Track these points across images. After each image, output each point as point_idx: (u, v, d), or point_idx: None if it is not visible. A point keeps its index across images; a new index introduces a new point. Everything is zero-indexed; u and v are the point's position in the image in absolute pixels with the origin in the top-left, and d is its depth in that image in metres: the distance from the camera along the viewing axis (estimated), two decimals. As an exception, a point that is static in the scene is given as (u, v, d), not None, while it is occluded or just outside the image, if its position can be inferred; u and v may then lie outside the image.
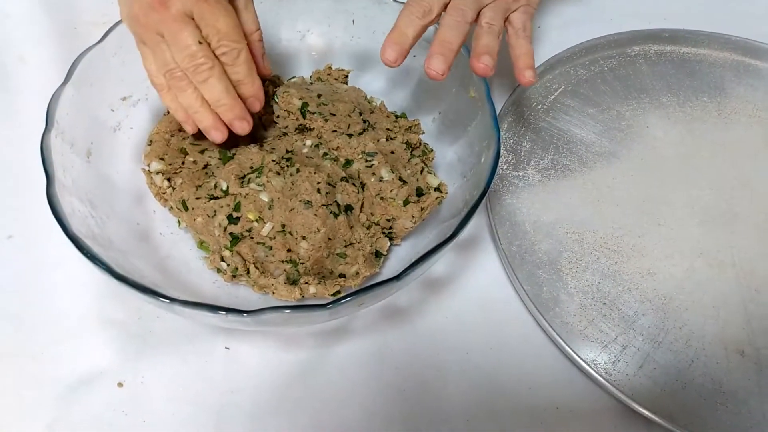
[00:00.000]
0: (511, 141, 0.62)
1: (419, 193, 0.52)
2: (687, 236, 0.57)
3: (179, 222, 0.52)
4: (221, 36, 0.44)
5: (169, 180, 0.52)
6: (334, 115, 0.53)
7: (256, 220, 0.49)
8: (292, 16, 0.59)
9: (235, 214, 0.49)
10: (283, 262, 0.48)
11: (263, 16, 0.58)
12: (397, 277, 0.41)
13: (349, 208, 0.50)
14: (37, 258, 0.52)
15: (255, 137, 0.55)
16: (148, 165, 0.52)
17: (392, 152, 0.53)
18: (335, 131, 0.53)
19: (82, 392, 0.47)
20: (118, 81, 0.53)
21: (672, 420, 0.46)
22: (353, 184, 0.51)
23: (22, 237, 0.54)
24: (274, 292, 0.48)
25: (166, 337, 0.49)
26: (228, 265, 0.48)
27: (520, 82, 0.51)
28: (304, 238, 0.48)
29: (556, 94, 0.66)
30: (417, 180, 0.52)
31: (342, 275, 0.49)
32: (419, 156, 0.54)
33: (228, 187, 0.50)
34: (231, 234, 0.49)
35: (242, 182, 0.50)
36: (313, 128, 0.53)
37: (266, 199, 0.49)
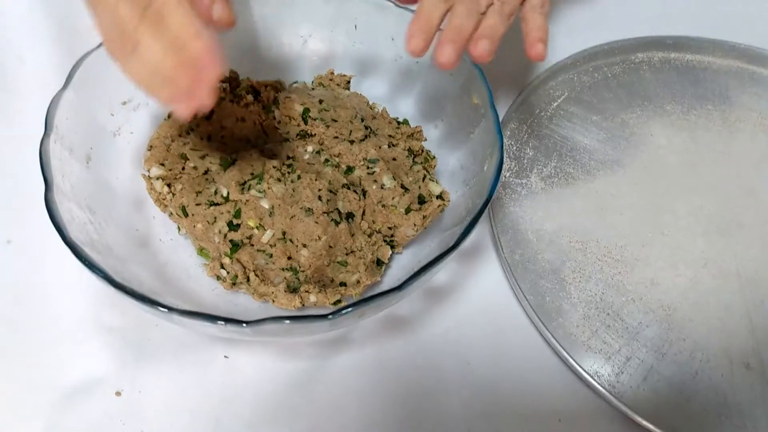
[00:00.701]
0: (514, 148, 0.62)
1: (421, 200, 0.51)
2: (691, 246, 0.57)
3: (179, 228, 0.52)
4: None
5: (169, 186, 0.51)
6: (335, 121, 0.53)
7: (257, 227, 0.48)
8: (294, 21, 0.59)
9: (235, 221, 0.48)
10: (283, 269, 0.48)
11: (265, 20, 0.58)
12: (399, 288, 0.40)
13: (350, 216, 0.50)
14: (36, 263, 0.52)
15: (256, 143, 0.54)
16: (148, 170, 0.52)
17: (394, 159, 0.53)
18: (337, 137, 0.53)
19: (79, 400, 0.46)
20: (118, 85, 0.51)
21: (676, 433, 0.46)
22: (355, 191, 0.50)
23: (21, 242, 0.53)
24: (274, 300, 0.47)
25: (165, 346, 0.49)
26: (228, 272, 0.48)
27: (529, 54, 0.48)
28: (304, 245, 0.48)
29: (559, 101, 0.66)
30: (419, 187, 0.52)
31: (343, 283, 0.49)
32: (421, 163, 0.54)
33: (228, 193, 0.49)
34: (231, 241, 0.48)
35: (243, 188, 0.49)
36: (315, 134, 0.53)
37: (267, 206, 0.48)
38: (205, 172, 0.52)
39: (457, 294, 0.53)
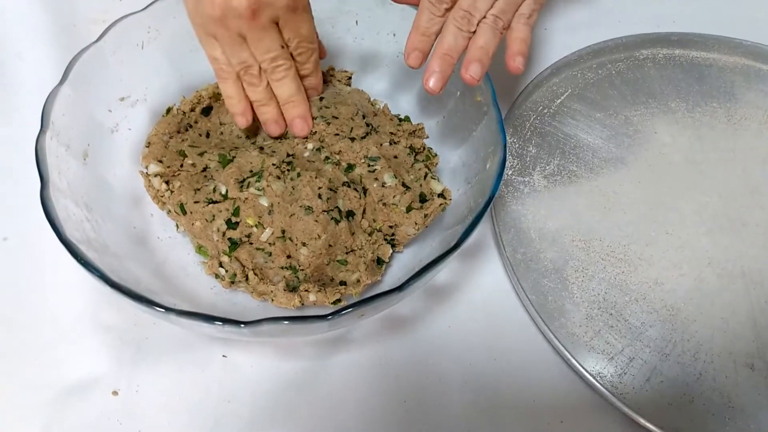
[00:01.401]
0: (517, 146, 0.61)
1: (422, 199, 0.51)
2: (695, 245, 0.56)
3: (177, 226, 0.51)
4: (302, 39, 0.48)
5: (167, 183, 0.51)
6: (336, 118, 0.52)
7: (256, 226, 0.48)
8: (295, 16, 0.58)
9: (234, 219, 0.48)
10: (282, 268, 0.47)
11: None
12: (399, 288, 0.40)
13: (350, 214, 0.49)
14: (32, 261, 0.52)
15: (255, 140, 0.54)
16: (146, 167, 0.51)
17: (395, 157, 0.52)
18: (337, 135, 0.52)
19: (76, 400, 0.46)
20: (116, 81, 0.52)
21: (679, 435, 0.46)
22: (355, 189, 0.50)
23: (18, 239, 0.53)
24: (273, 299, 0.46)
25: (162, 345, 0.48)
26: (226, 271, 0.47)
27: (508, 66, 0.49)
28: (304, 244, 0.47)
29: (562, 98, 0.65)
30: (420, 186, 0.51)
31: (343, 282, 0.48)
32: (423, 161, 0.53)
33: (227, 191, 0.48)
34: (230, 239, 0.47)
35: (242, 186, 0.49)
36: (315, 131, 0.52)
37: (266, 204, 0.48)
38: (204, 170, 0.51)
39: (459, 293, 0.52)
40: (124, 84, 0.52)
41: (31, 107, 0.53)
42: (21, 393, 0.46)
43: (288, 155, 0.51)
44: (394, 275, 0.51)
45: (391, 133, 0.54)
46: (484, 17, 0.49)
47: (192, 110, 0.54)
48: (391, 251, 0.50)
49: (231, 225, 0.48)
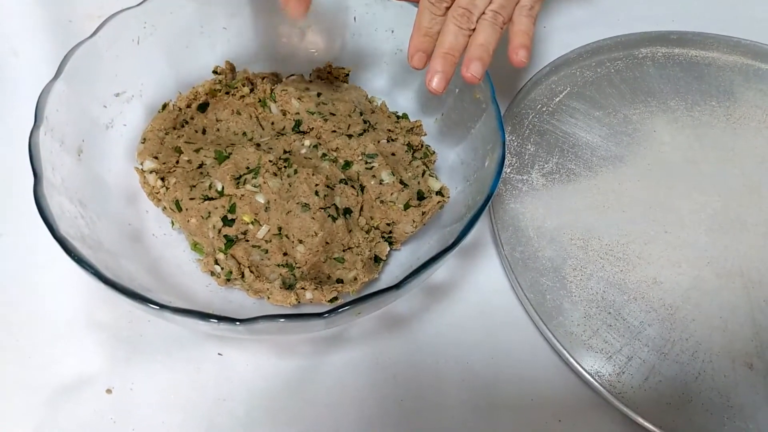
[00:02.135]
0: (515, 144, 0.61)
1: (420, 196, 0.50)
2: (694, 244, 0.56)
3: (173, 223, 0.51)
4: None
5: (162, 179, 0.50)
6: (334, 114, 0.52)
7: (252, 223, 0.47)
8: (292, 13, 0.57)
9: (230, 216, 0.47)
10: (278, 266, 0.47)
11: (262, 12, 0.56)
12: (397, 286, 0.39)
13: (347, 212, 0.49)
14: (27, 258, 0.51)
15: (252, 136, 0.53)
16: (142, 164, 0.51)
17: (393, 154, 0.52)
18: (335, 131, 0.52)
19: (69, 398, 0.45)
20: (111, 76, 0.51)
21: (678, 435, 0.45)
22: (352, 186, 0.49)
23: (11, 236, 0.52)
24: (269, 297, 0.46)
25: (157, 342, 0.48)
26: (222, 268, 0.47)
27: (512, 60, 0.48)
28: (300, 241, 0.47)
29: (561, 96, 0.65)
30: (418, 183, 0.51)
31: (340, 280, 0.48)
32: (421, 158, 0.53)
33: (223, 187, 0.48)
34: (226, 236, 0.47)
35: (238, 183, 0.48)
36: (312, 128, 0.52)
37: (262, 201, 0.47)
38: (200, 166, 0.51)
39: (456, 292, 0.52)
40: (119, 79, 0.52)
41: (25, 103, 0.53)
42: (14, 391, 0.45)
43: (285, 152, 0.51)
44: (391, 273, 0.51)
45: (389, 130, 0.54)
46: (483, 13, 0.48)
47: (188, 106, 0.54)
48: (388, 249, 0.49)
49: (227, 222, 0.47)
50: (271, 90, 0.53)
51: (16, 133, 0.52)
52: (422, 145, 0.54)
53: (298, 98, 0.52)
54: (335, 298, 0.46)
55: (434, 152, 0.54)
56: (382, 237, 0.50)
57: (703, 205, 0.58)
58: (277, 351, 0.48)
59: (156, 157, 0.50)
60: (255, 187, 0.48)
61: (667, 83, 0.67)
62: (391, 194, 0.49)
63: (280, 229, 0.47)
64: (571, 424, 0.47)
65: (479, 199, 0.45)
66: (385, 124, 0.54)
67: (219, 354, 0.48)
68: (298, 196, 0.47)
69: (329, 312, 0.38)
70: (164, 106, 0.54)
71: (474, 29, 0.48)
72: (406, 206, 0.49)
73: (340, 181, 0.49)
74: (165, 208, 0.50)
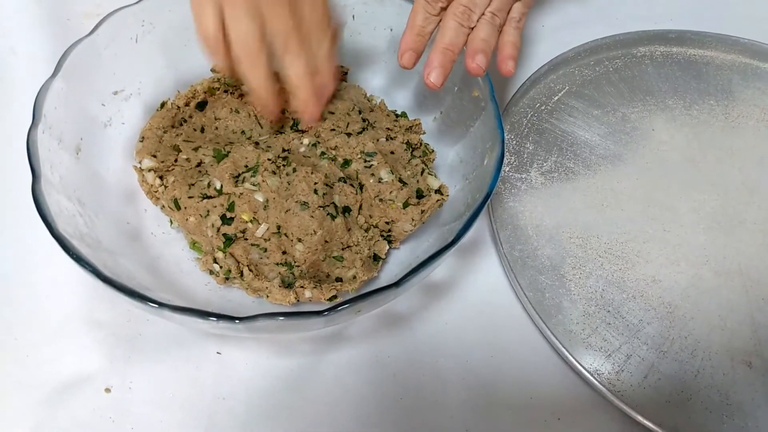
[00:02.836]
0: (514, 142, 0.61)
1: (419, 195, 0.50)
2: (693, 243, 0.56)
3: (171, 221, 0.51)
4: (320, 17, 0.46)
5: (161, 178, 0.50)
6: (332, 113, 0.52)
7: (251, 221, 0.47)
8: (291, 11, 0.57)
9: (228, 215, 0.47)
10: (277, 264, 0.47)
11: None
12: (396, 284, 0.39)
13: (346, 210, 0.49)
14: (25, 256, 0.51)
15: (251, 135, 0.53)
16: (140, 162, 0.51)
17: (392, 152, 0.52)
18: (334, 130, 0.51)
19: (68, 397, 0.45)
20: (109, 74, 0.51)
21: (677, 433, 0.45)
22: (351, 185, 0.49)
23: (9, 235, 0.52)
24: (268, 296, 0.46)
25: (156, 341, 0.47)
26: (221, 267, 0.47)
27: (500, 69, 0.50)
28: (299, 240, 0.46)
29: (560, 94, 0.65)
30: (417, 181, 0.51)
31: (339, 279, 0.48)
32: (420, 157, 0.53)
33: (222, 186, 0.48)
34: (224, 235, 0.47)
35: (236, 181, 0.48)
36: (311, 126, 0.52)
37: (261, 200, 0.47)
38: (198, 165, 0.51)
39: (456, 290, 0.52)
40: (117, 78, 0.52)
41: (23, 102, 0.52)
42: (13, 390, 0.45)
43: (283, 150, 0.51)
44: (390, 272, 0.51)
45: (388, 128, 0.54)
46: (483, 14, 0.49)
47: (186, 105, 0.54)
48: (387, 247, 0.49)
49: (226, 220, 0.47)
50: (270, 88, 0.53)
51: (14, 132, 0.52)
52: (421, 144, 0.54)
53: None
54: (334, 297, 0.46)
55: (433, 151, 0.54)
56: (381, 235, 0.50)
57: (701, 203, 0.58)
58: (277, 349, 0.48)
59: (154, 156, 0.50)
60: (254, 185, 0.47)
61: (665, 82, 0.67)
62: (390, 193, 0.49)
63: (279, 227, 0.47)
64: (570, 423, 0.47)
65: (478, 198, 0.45)
66: (383, 122, 0.54)
67: (218, 353, 0.48)
68: (296, 194, 0.47)
69: (328, 310, 0.38)
70: (163, 105, 0.54)
71: (473, 28, 0.49)
72: (405, 205, 0.49)
73: (339, 180, 0.49)
74: (164, 206, 0.50)
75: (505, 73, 0.50)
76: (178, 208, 0.48)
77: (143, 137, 0.52)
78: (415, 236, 0.52)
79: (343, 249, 0.48)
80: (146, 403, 0.45)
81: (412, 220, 0.49)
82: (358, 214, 0.49)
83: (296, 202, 0.47)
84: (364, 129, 0.52)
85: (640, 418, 0.45)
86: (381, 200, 0.49)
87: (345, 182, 0.49)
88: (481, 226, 0.55)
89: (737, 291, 0.53)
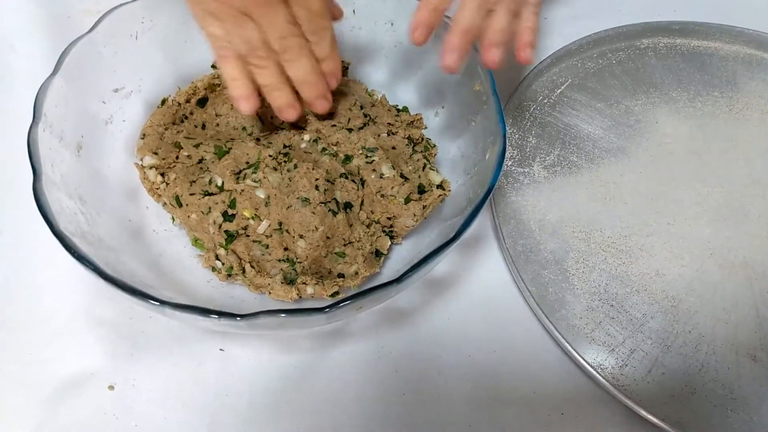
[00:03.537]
0: (516, 136, 0.60)
1: (421, 190, 0.50)
2: (697, 236, 0.55)
3: (173, 218, 0.51)
4: (313, 16, 0.44)
5: (162, 175, 0.50)
6: (331, 113, 0.52)
7: (252, 218, 0.47)
8: (291, 6, 0.57)
9: (230, 211, 0.47)
10: (279, 261, 0.47)
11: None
12: (398, 280, 0.39)
13: (348, 206, 0.48)
14: (26, 255, 0.51)
15: (252, 131, 0.53)
16: (141, 159, 0.51)
17: (393, 148, 0.52)
18: (335, 126, 0.51)
19: (71, 395, 0.45)
20: (110, 72, 0.51)
21: (681, 427, 0.45)
22: (353, 180, 0.49)
23: (11, 233, 0.52)
24: (270, 292, 0.46)
25: (159, 339, 0.48)
26: (223, 264, 0.47)
27: (519, 57, 0.48)
28: (301, 236, 0.46)
29: (562, 87, 0.64)
30: (419, 177, 0.50)
31: (341, 275, 0.48)
32: (421, 152, 0.53)
33: (223, 182, 0.48)
34: (226, 232, 0.47)
35: (238, 178, 0.48)
36: (308, 119, 0.51)
37: (262, 196, 0.47)
38: (200, 161, 0.50)
39: (458, 285, 0.52)
40: (118, 75, 0.52)
41: (24, 100, 0.52)
42: (16, 388, 0.45)
43: (285, 146, 0.50)
44: (392, 267, 0.50)
45: (389, 123, 0.53)
46: (500, 1, 0.47)
47: (187, 101, 0.53)
48: (389, 243, 0.49)
49: (227, 217, 0.47)
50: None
51: (14, 130, 0.52)
52: (423, 139, 0.54)
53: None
54: (336, 293, 0.46)
55: (435, 145, 0.54)
56: (383, 231, 0.49)
57: (705, 196, 0.58)
58: (279, 346, 0.48)
59: (156, 153, 0.50)
60: (255, 182, 0.47)
61: (669, 74, 0.66)
62: (392, 188, 0.49)
63: (280, 224, 0.47)
64: (573, 417, 0.47)
65: (480, 192, 0.45)
66: (385, 117, 0.54)
67: (221, 350, 0.48)
68: (298, 190, 0.47)
69: (330, 306, 0.38)
70: (163, 102, 0.54)
71: (490, 10, 0.47)
72: (407, 200, 0.49)
73: (341, 176, 0.49)
74: (165, 203, 0.50)
75: (524, 61, 0.48)
76: (180, 205, 0.48)
77: (144, 134, 0.51)
78: (417, 231, 0.51)
79: (344, 245, 0.48)
80: (149, 401, 0.45)
81: (414, 215, 0.49)
82: (360, 209, 0.49)
83: (297, 198, 0.47)
84: (365, 124, 0.52)
85: (644, 412, 0.45)
86: (382, 196, 0.49)
87: (346, 178, 0.49)
88: (484, 221, 0.55)
89: (742, 284, 0.53)
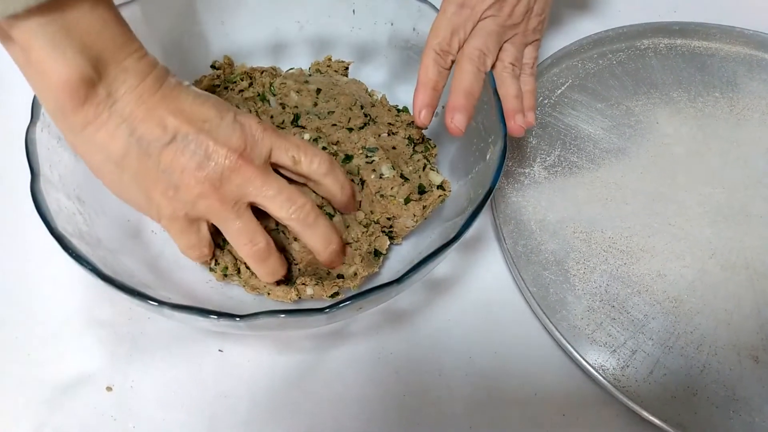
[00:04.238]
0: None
1: (421, 190, 0.50)
2: (698, 236, 0.55)
3: (172, 219, 0.50)
4: (313, 153, 0.42)
5: (161, 175, 0.50)
6: (332, 113, 0.51)
7: (251, 218, 0.47)
8: (291, 6, 0.57)
9: (229, 212, 0.47)
10: (277, 262, 0.46)
11: (260, 5, 0.56)
12: (398, 281, 0.39)
13: (347, 206, 0.48)
14: (25, 256, 0.51)
15: None
16: (140, 159, 0.50)
17: (394, 148, 0.51)
18: (335, 125, 0.51)
19: (69, 396, 0.45)
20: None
21: (683, 429, 0.45)
22: (353, 180, 0.49)
23: (9, 234, 0.52)
24: (269, 293, 0.46)
25: (158, 339, 0.47)
26: (218, 263, 0.46)
27: (525, 122, 0.50)
28: (296, 238, 0.46)
29: (563, 88, 0.64)
30: (419, 177, 0.50)
31: (340, 276, 0.47)
32: (422, 152, 0.52)
33: (222, 183, 0.48)
34: (223, 232, 0.47)
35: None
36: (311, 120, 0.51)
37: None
38: (199, 161, 0.50)
39: (458, 286, 0.52)
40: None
41: (22, 99, 0.52)
42: (14, 390, 0.45)
43: (284, 146, 0.50)
44: (392, 268, 0.50)
45: (390, 123, 0.53)
46: (499, 63, 0.50)
47: (186, 101, 0.53)
48: (388, 243, 0.49)
49: (226, 217, 0.47)
50: (270, 84, 0.53)
51: (13, 130, 0.52)
52: (423, 139, 0.54)
53: (297, 91, 0.52)
54: (336, 293, 0.46)
55: (435, 146, 0.54)
56: (383, 231, 0.49)
57: (707, 196, 0.58)
58: (278, 347, 0.48)
59: (154, 153, 0.50)
60: (254, 182, 0.47)
61: (669, 74, 0.66)
62: (392, 188, 0.49)
63: (276, 224, 0.47)
64: (574, 418, 0.46)
65: (481, 193, 0.44)
66: (385, 117, 0.54)
67: (220, 350, 0.47)
68: (296, 190, 0.47)
69: (330, 307, 0.38)
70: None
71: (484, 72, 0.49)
72: (407, 200, 0.49)
73: (341, 176, 0.49)
74: (164, 204, 0.49)
75: (528, 125, 0.50)
76: (179, 205, 0.48)
77: (143, 134, 0.51)
78: (417, 232, 0.51)
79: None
80: (148, 402, 0.45)
81: (414, 215, 0.48)
82: (359, 210, 0.49)
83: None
84: (365, 124, 0.52)
85: (645, 413, 0.45)
86: (382, 196, 0.49)
87: (346, 178, 0.49)
88: (484, 222, 0.55)
89: (743, 285, 0.53)
